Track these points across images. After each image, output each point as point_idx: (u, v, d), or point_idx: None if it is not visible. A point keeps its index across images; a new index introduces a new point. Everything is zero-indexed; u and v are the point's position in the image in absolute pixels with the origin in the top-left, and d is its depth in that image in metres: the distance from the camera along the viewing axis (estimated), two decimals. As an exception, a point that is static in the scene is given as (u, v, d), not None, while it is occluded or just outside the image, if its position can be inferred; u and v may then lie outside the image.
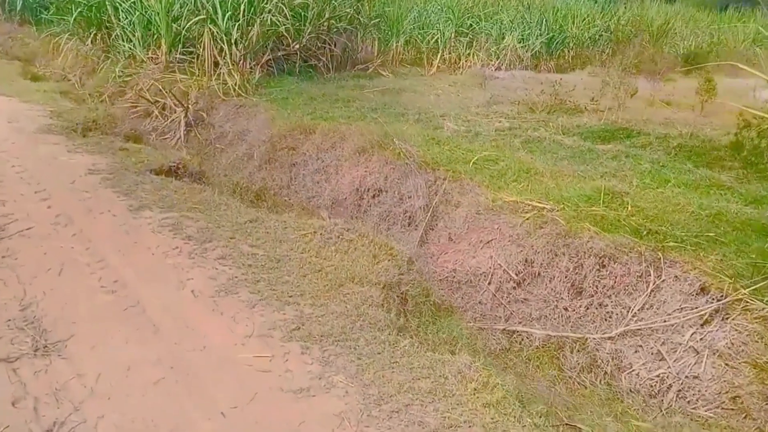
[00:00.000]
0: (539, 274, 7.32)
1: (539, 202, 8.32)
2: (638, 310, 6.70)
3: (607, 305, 6.89)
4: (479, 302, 7.45)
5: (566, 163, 10.05)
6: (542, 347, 6.95)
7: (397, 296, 6.72)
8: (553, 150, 10.67)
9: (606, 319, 6.84)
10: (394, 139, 10.42)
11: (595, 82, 15.43)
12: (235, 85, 14.43)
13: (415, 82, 17.10)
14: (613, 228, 7.55)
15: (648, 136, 11.30)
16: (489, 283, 7.49)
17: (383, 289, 6.59)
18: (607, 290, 6.95)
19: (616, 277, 6.94)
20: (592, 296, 7.01)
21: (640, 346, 6.46)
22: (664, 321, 6.37)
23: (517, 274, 7.40)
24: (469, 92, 15.81)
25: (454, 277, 7.76)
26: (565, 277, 7.15)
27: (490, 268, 7.56)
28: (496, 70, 20.26)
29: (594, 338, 6.68)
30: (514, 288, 7.38)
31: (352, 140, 11.01)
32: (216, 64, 15.14)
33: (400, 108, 13.36)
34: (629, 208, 8.11)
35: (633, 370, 6.37)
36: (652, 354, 6.36)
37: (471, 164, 9.92)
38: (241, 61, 15.25)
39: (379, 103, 13.84)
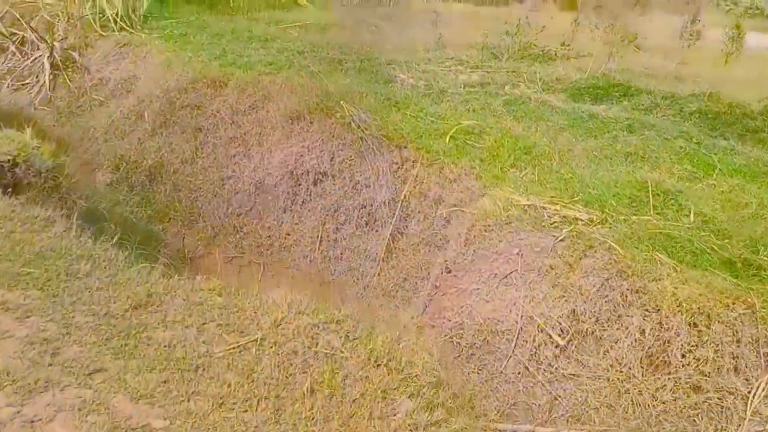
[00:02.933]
0: (593, 334, 4.66)
1: (569, 206, 5.62)
2: (760, 399, 4.21)
3: (706, 389, 4.34)
4: (504, 379, 4.74)
5: (569, 135, 7.35)
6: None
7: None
8: (545, 115, 7.95)
9: (707, 414, 4.30)
10: (341, 102, 7.36)
11: (543, 18, 12.62)
12: (116, 15, 10.76)
13: (341, 14, 13.80)
14: (692, 256, 4.98)
15: (651, 95, 8.76)
16: (515, 347, 4.77)
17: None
18: (705, 366, 4.38)
19: (717, 346, 4.38)
20: (679, 372, 4.42)
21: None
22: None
23: (560, 335, 4.70)
24: (408, 30, 12.73)
25: (461, 335, 4.98)
26: (637, 342, 4.52)
27: (517, 322, 4.83)
28: (426, 1, 17.21)
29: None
30: (557, 356, 4.70)
31: (280, 100, 7.88)
32: (90, -14, 11.32)
33: (334, 51, 10.19)
34: (692, 218, 5.55)
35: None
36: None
37: (448, 139, 7.06)
38: (124, -17, 11.47)
39: (306, 43, 10.61)
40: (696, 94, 8.63)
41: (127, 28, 10.68)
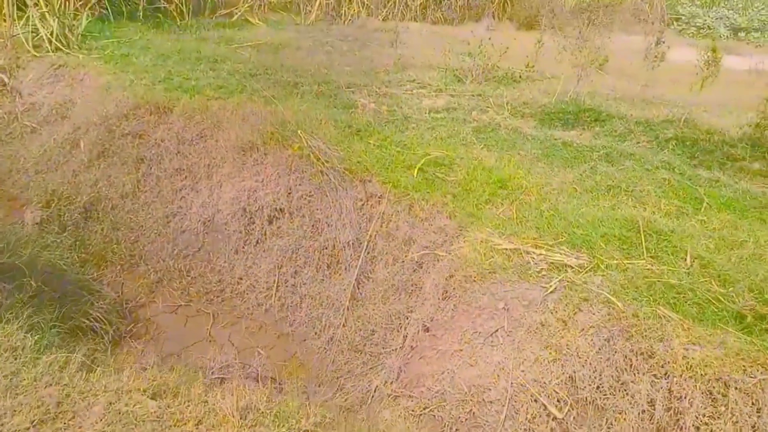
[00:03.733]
0: (594, 403, 4.04)
1: (555, 250, 5.02)
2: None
3: (726, 469, 3.74)
4: (495, 461, 4.07)
5: (544, 166, 6.79)
6: None
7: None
8: (517, 143, 7.38)
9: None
10: (298, 131, 6.64)
11: (504, 38, 12.10)
12: (51, 34, 9.85)
13: (294, 34, 13.05)
14: (697, 308, 4.41)
15: (623, 120, 8.25)
16: (505, 419, 4.10)
17: None
18: (724, 440, 3.79)
19: (736, 417, 3.80)
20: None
21: None
22: None
23: (557, 405, 4.06)
24: (366, 50, 12.08)
25: (443, 406, 4.28)
26: (645, 413, 3.91)
27: (506, 390, 4.17)
28: (383, 20, 16.59)
29: None
30: (553, 430, 4.04)
31: (231, 128, 7.13)
32: (23, 2, 10.37)
33: (288, 73, 9.46)
34: (689, 261, 5.00)
35: None
36: None
37: (416, 171, 6.41)
38: (60, 0, 10.55)
39: (258, 64, 9.85)
40: (670, 119, 8.16)
41: (63, 49, 9.78)
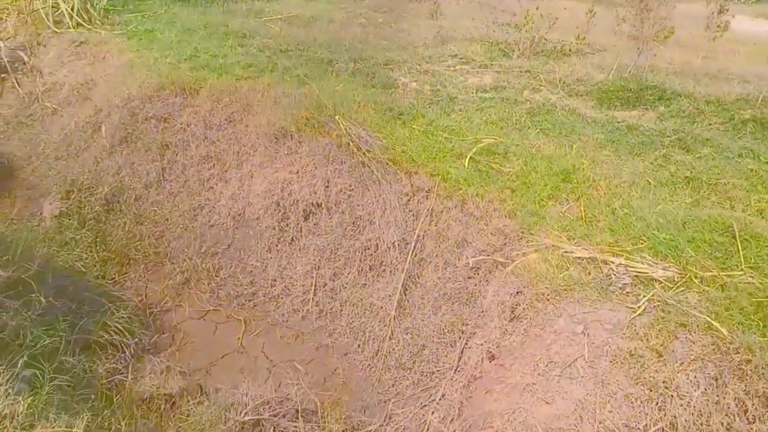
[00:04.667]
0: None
1: (637, 259, 4.26)
2: None
3: None
4: None
5: (610, 154, 5.99)
6: None
7: None
8: (577, 127, 6.58)
9: None
10: (335, 117, 5.92)
11: (552, 7, 11.08)
12: (72, 9, 9.17)
13: (326, 5, 12.21)
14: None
15: (690, 98, 7.37)
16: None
17: None
18: None
19: None
20: None
21: None
22: None
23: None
24: (402, 21, 11.21)
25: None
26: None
27: (592, 435, 3.46)
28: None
29: None
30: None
31: (262, 112, 6.43)
32: (42, -24, 9.70)
33: (321, 49, 8.68)
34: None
35: None
36: None
37: (467, 162, 5.66)
38: (82, -27, 9.84)
39: (289, 39, 9.08)
40: (745, 97, 7.26)
41: (85, 24, 9.10)
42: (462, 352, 4.58)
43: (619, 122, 6.76)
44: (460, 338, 4.67)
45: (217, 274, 5.95)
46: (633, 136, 6.43)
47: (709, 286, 4.03)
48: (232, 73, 7.30)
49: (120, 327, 4.87)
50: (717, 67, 8.90)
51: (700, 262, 4.31)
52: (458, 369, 4.48)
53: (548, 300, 4.04)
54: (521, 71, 8.38)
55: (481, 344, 4.26)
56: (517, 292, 4.22)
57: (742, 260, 4.32)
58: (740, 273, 4.19)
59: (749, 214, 4.87)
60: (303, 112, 6.13)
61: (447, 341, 4.75)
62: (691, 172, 5.57)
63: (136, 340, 4.96)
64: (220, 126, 6.65)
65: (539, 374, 3.77)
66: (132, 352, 4.81)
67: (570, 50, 9.58)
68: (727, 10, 9.66)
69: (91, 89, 8.07)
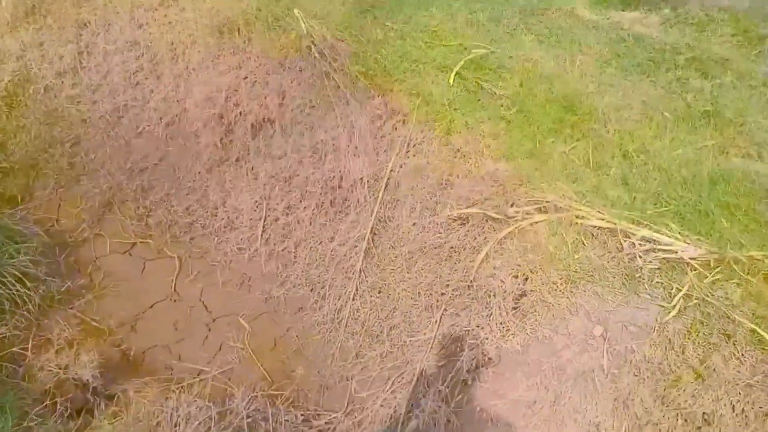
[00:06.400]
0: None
1: (661, 229, 3.43)
2: None
3: None
4: None
5: (615, 73, 5.01)
6: None
7: None
8: (576, 35, 5.50)
9: None
10: (294, 10, 4.67)
11: None
12: None
13: None
14: None
15: (697, 1, 6.28)
16: None
17: None
18: None
19: None
20: None
21: None
22: None
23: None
24: None
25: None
26: None
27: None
28: None
29: None
30: None
31: (201, -5, 5.06)
32: None
33: None
34: None
35: None
36: None
37: (452, 77, 4.58)
38: None
39: None
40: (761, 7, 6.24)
41: None
42: (440, 320, 3.77)
43: (622, 29, 5.68)
44: (437, 302, 3.84)
45: (145, 196, 4.85)
46: (641, 50, 5.39)
47: (750, 275, 3.24)
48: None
49: (19, 274, 3.82)
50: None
51: (734, 235, 3.51)
52: (434, 343, 3.69)
53: (557, 289, 3.20)
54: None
55: (469, 329, 3.43)
56: (525, 277, 3.35)
57: (785, 238, 3.53)
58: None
59: (784, 171, 4.05)
60: (254, 2, 4.83)
61: (422, 305, 3.92)
62: (713, 106, 4.65)
63: (43, 289, 3.94)
64: (151, 6, 5.28)
65: (545, 388, 2.99)
66: (35, 306, 3.80)
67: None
68: None
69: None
